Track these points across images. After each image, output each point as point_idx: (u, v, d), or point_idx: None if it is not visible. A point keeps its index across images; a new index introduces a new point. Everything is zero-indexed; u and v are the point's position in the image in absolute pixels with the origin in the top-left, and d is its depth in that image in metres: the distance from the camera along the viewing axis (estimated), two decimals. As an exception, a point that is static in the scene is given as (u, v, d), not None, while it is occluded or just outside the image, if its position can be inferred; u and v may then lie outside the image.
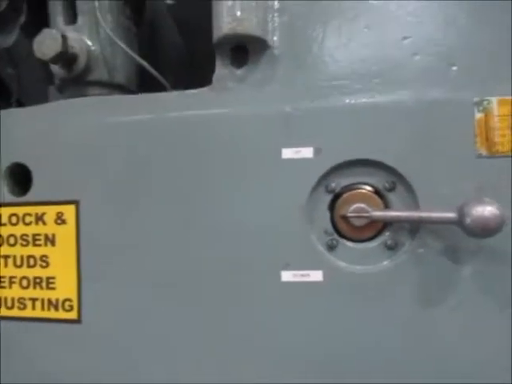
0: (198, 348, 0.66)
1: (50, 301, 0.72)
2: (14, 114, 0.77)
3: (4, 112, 0.79)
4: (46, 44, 0.81)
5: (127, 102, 0.71)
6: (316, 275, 0.63)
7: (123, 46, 0.86)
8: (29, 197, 0.74)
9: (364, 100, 0.64)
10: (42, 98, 1.08)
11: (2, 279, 0.75)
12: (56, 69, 0.87)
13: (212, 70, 0.71)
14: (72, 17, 0.89)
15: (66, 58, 0.84)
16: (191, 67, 1.05)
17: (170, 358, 0.67)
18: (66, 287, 0.71)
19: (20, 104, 1.10)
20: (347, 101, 0.64)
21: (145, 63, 0.87)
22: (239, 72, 0.67)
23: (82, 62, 0.86)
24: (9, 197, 0.75)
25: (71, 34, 0.87)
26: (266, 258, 0.64)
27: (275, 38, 0.67)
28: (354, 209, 0.63)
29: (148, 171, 0.69)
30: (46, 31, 0.83)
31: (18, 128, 0.75)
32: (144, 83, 0.99)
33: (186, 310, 0.66)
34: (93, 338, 0.70)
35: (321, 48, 0.66)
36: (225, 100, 0.67)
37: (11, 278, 0.74)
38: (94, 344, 0.70)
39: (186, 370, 0.66)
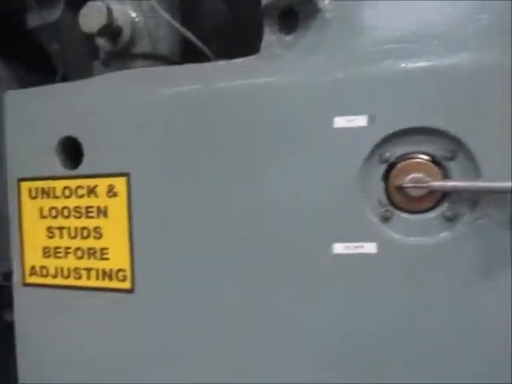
0: (251, 320, 0.66)
1: (104, 271, 0.74)
2: (63, 88, 0.78)
3: (53, 86, 0.80)
4: (91, 17, 0.81)
5: (174, 72, 0.70)
6: (370, 247, 0.61)
7: (167, 16, 0.85)
8: (81, 170, 0.75)
9: (421, 64, 0.60)
10: (87, 73, 1.09)
11: (58, 250, 0.77)
12: (101, 42, 0.87)
13: (258, 39, 0.69)
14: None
15: (111, 30, 0.84)
16: (235, 36, 1.03)
17: (223, 329, 0.68)
18: (119, 258, 0.73)
19: (65, 79, 1.12)
20: (403, 65, 0.61)
21: (189, 33, 0.85)
22: (288, 38, 0.65)
23: (126, 34, 0.86)
24: (61, 170, 0.77)
25: (115, 6, 0.86)
26: (317, 230, 0.63)
27: (326, 1, 0.64)
28: (411, 179, 0.61)
29: (197, 142, 0.68)
30: (91, 4, 0.83)
31: (68, 102, 0.76)
32: (187, 54, 0.98)
33: (237, 281, 0.67)
34: (146, 308, 0.72)
35: (375, 9, 0.62)
36: (273, 68, 0.65)
37: (66, 248, 0.77)
38: (146, 314, 0.72)
39: (239, 342, 0.67)
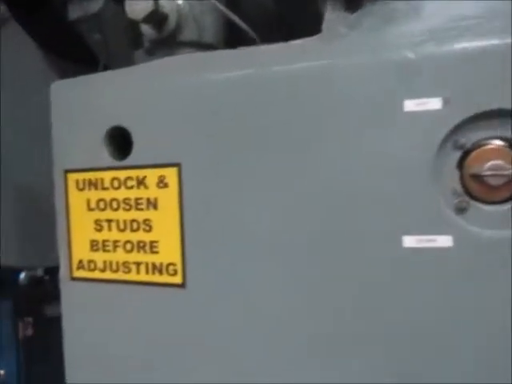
0: (313, 318, 0.62)
1: (154, 265, 0.71)
2: (109, 77, 0.76)
3: (99, 75, 0.78)
4: (138, 3, 0.78)
5: (226, 57, 0.67)
6: (444, 240, 0.57)
7: (216, 2, 0.82)
8: (130, 160, 0.73)
9: (502, 41, 0.55)
10: (129, 63, 1.08)
11: (107, 243, 0.75)
12: (146, 30, 0.85)
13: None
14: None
15: (157, 17, 0.81)
16: (280, 26, 0.99)
17: (281, 326, 0.64)
18: (169, 251, 0.70)
19: (106, 70, 1.10)
20: (481, 43, 0.56)
21: (236, 18, 0.82)
22: (353, 16, 0.61)
23: (172, 21, 0.83)
24: (110, 161, 0.74)
25: (157, -9, 0.83)
26: (386, 222, 0.59)
27: (393, -24, 0.60)
28: (490, 166, 0.56)
29: (253, 129, 0.65)
30: (137, -10, 0.81)
31: (114, 90, 0.74)
32: (231, 42, 0.95)
33: (297, 277, 0.63)
34: (197, 303, 0.69)
35: (449, -17, 0.58)
36: (337, 49, 0.61)
37: (115, 241, 0.74)
38: (198, 309, 0.69)
39: (301, 341, 0.63)
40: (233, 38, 0.94)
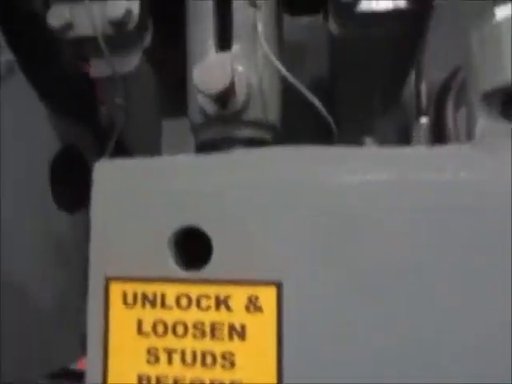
0: None
1: (235, 417, 0.54)
2: (184, 162, 0.60)
3: (165, 159, 0.62)
4: (214, 76, 0.64)
5: (358, 157, 0.55)
6: None
7: (291, 78, 0.71)
8: (206, 272, 0.56)
9: None
10: (153, 133, 0.92)
11: (164, 380, 0.56)
12: (205, 103, 0.71)
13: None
14: (226, 41, 0.74)
15: (228, 93, 0.68)
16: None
17: None
18: (259, 398, 0.53)
19: (121, 137, 0.93)
20: None
21: (311, 96, 0.71)
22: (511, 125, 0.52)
23: (240, 97, 0.71)
24: (176, 270, 0.57)
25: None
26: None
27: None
28: None
29: (378, 242, 0.52)
30: (214, 59, 0.68)
31: (190, 180, 0.58)
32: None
33: None
34: None
35: None
36: (496, 161, 0.51)
37: (176, 380, 0.56)
38: None
39: None
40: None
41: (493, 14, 0.52)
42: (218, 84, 0.64)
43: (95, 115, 0.95)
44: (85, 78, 0.87)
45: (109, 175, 0.61)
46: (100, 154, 0.92)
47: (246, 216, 0.55)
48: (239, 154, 0.59)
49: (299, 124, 0.90)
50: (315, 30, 1.05)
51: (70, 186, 0.93)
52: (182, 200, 0.58)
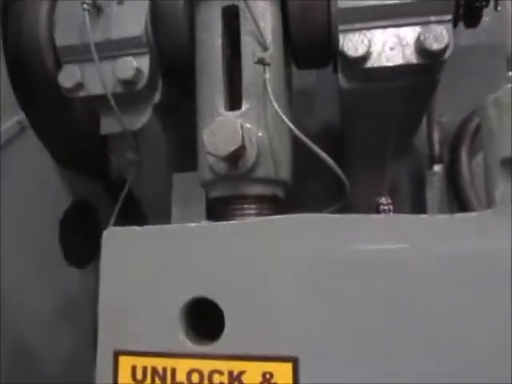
0: None
1: None
2: (196, 231, 0.58)
3: (175, 227, 0.61)
4: (224, 138, 0.64)
5: (374, 224, 0.53)
6: None
7: (304, 137, 0.69)
8: (219, 346, 0.54)
9: None
10: (164, 186, 0.91)
11: None
12: (215, 162, 0.70)
13: None
14: (235, 100, 0.74)
15: (240, 153, 0.67)
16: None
17: None
18: None
19: (131, 191, 0.93)
20: None
21: (329, 160, 0.69)
22: (534, 191, 0.50)
23: (251, 156, 0.70)
24: (188, 345, 0.55)
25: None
26: None
27: None
28: None
29: (400, 315, 0.50)
30: (221, 120, 0.67)
31: (202, 251, 0.57)
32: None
33: None
34: None
35: None
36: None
37: None
38: None
39: None
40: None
41: (508, 78, 0.51)
42: (228, 147, 0.64)
43: (106, 169, 0.95)
44: (95, 133, 0.87)
45: (118, 244, 0.60)
46: (111, 206, 0.92)
47: (260, 288, 0.53)
48: (252, 224, 0.57)
49: (311, 178, 0.89)
50: (323, 76, 1.05)
51: (80, 241, 0.92)
52: (194, 271, 0.56)
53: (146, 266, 0.58)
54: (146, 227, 0.59)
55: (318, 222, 0.53)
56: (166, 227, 0.59)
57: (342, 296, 0.52)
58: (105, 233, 0.60)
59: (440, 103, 1.04)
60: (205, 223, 0.65)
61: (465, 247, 0.50)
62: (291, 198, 0.80)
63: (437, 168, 0.93)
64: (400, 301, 0.51)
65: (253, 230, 0.55)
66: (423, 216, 0.53)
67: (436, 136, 0.97)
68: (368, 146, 0.95)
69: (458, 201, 0.89)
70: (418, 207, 0.99)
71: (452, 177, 0.90)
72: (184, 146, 0.86)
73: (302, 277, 0.53)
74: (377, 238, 0.52)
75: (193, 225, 0.58)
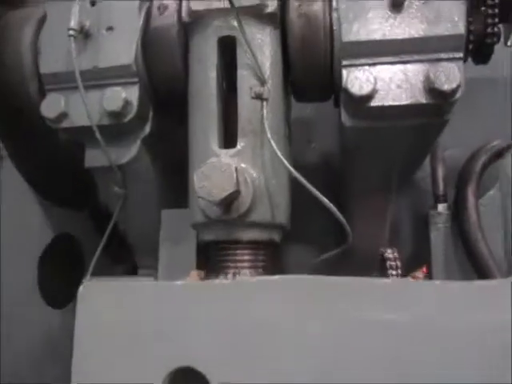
0: None
1: None
2: (178, 292, 0.52)
3: (159, 285, 0.55)
4: (216, 182, 0.58)
5: (376, 289, 0.47)
6: None
7: (303, 180, 0.64)
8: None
9: None
10: (153, 224, 0.85)
11: None
12: (208, 207, 0.64)
13: None
14: (230, 136, 0.69)
15: (234, 197, 0.62)
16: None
17: None
18: None
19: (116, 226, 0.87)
20: None
21: (331, 206, 0.64)
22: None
23: (246, 199, 0.64)
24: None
25: (229, 160, 0.65)
26: None
27: None
28: None
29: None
30: (214, 162, 0.62)
31: (185, 314, 0.51)
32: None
33: None
34: None
35: None
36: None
37: None
38: None
39: None
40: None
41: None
42: (221, 192, 0.58)
43: (91, 202, 0.89)
44: (80, 165, 0.81)
45: (95, 299, 0.54)
46: (96, 237, 0.86)
47: (248, 356, 0.48)
48: (239, 283, 0.52)
49: (310, 221, 0.84)
50: (322, 105, 1.00)
51: (60, 279, 0.86)
52: (176, 336, 0.50)
53: (125, 327, 0.52)
54: (124, 283, 0.53)
55: (314, 284, 0.48)
56: (148, 284, 0.53)
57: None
58: (81, 288, 0.54)
59: (443, 137, 0.99)
60: (193, 274, 0.59)
61: (482, 318, 0.44)
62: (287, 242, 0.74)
63: (441, 208, 0.88)
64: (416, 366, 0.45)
65: (239, 291, 0.50)
66: (437, 283, 0.48)
67: (440, 173, 0.92)
68: (370, 181, 0.90)
69: (464, 243, 0.84)
70: (421, 248, 0.93)
71: (458, 217, 0.85)
72: (174, 181, 0.80)
73: (293, 343, 0.47)
74: (387, 307, 0.46)
75: (176, 283, 0.52)
